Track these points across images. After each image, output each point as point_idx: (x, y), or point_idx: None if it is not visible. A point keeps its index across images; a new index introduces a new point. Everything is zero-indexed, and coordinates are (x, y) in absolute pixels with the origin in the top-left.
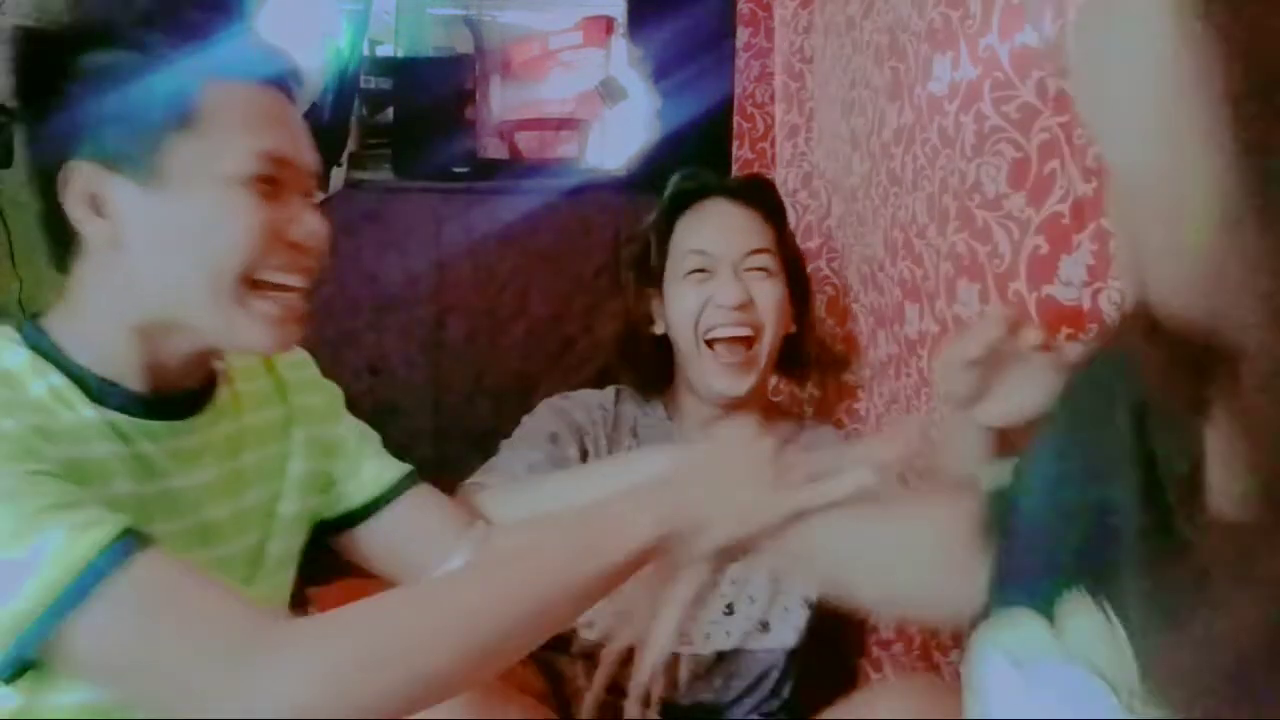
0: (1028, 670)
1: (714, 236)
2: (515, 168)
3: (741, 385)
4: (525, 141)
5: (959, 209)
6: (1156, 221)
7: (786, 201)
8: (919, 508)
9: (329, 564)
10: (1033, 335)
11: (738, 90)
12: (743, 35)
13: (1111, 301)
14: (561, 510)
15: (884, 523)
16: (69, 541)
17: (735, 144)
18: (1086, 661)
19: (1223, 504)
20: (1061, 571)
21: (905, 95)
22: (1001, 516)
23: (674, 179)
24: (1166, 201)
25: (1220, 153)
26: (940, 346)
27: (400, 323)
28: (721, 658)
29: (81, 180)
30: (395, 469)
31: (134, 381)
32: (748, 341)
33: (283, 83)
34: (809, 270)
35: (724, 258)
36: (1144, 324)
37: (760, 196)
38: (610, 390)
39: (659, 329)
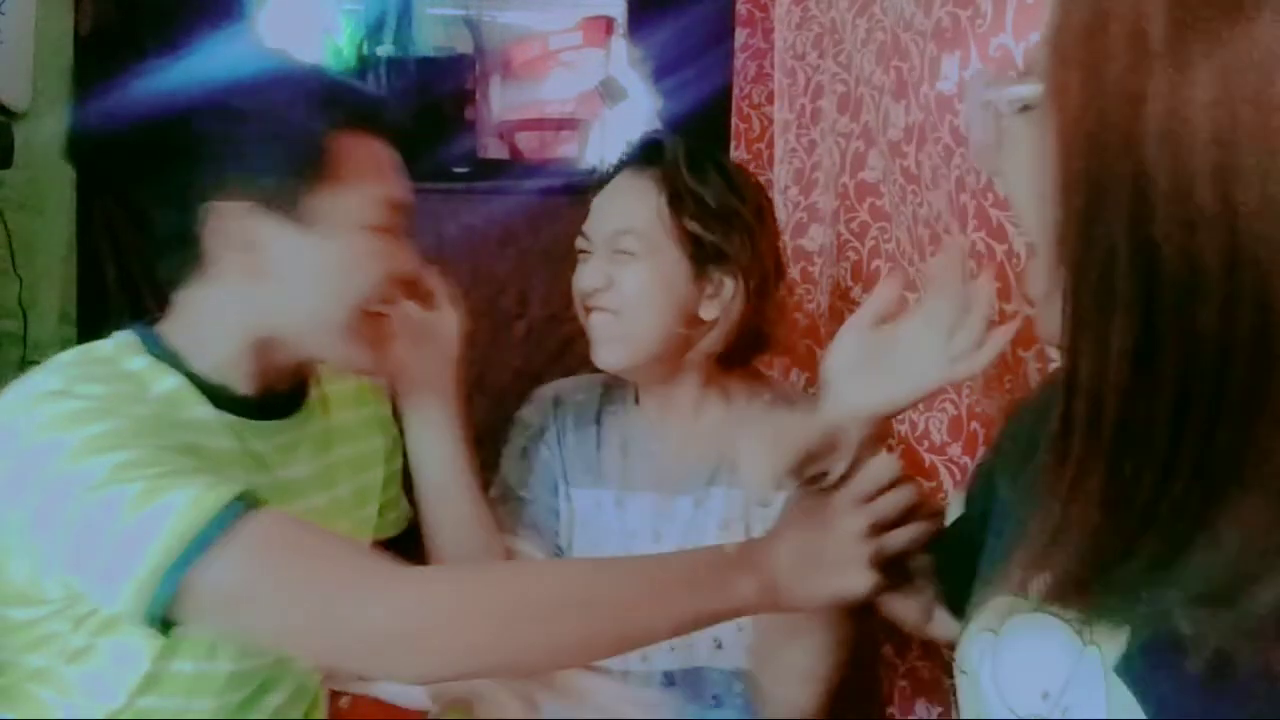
0: (1003, 631)
1: (593, 215)
2: (515, 168)
3: (612, 358)
4: (525, 141)
5: (976, 207)
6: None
7: (778, 199)
8: None
9: None
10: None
11: (735, 91)
12: (740, 36)
13: None
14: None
15: None
16: (195, 499)
17: (733, 144)
18: (1046, 612)
19: None
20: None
21: (912, 94)
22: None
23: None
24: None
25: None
26: None
27: None
28: (670, 678)
29: (228, 219)
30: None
31: (243, 386)
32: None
33: (391, 131)
34: (796, 270)
35: (596, 238)
36: None
37: (650, 161)
38: (599, 377)
39: None
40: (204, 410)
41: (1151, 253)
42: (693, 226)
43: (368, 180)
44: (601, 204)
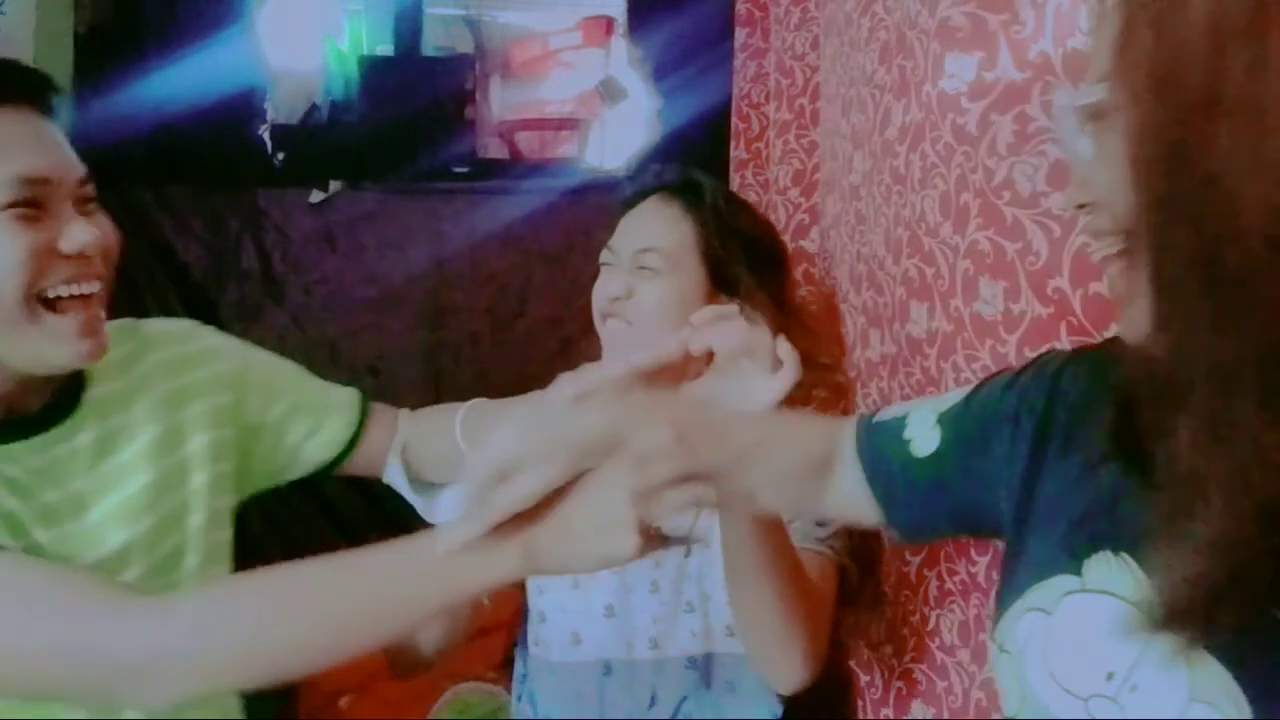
0: (1055, 612)
1: (620, 232)
2: (515, 168)
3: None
4: (525, 141)
5: (982, 205)
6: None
7: (777, 200)
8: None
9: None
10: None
11: (734, 90)
12: (740, 35)
13: None
14: None
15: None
16: None
17: (732, 144)
18: (1106, 591)
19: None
20: (1084, 540)
21: (913, 93)
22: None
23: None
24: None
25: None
26: (954, 344)
27: (400, 323)
28: (694, 663)
29: None
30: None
31: None
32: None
33: (22, 97)
34: (798, 271)
35: (622, 252)
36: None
37: (685, 196)
38: None
39: None
40: None
41: (1231, 239)
42: (714, 252)
43: None
44: (630, 223)
